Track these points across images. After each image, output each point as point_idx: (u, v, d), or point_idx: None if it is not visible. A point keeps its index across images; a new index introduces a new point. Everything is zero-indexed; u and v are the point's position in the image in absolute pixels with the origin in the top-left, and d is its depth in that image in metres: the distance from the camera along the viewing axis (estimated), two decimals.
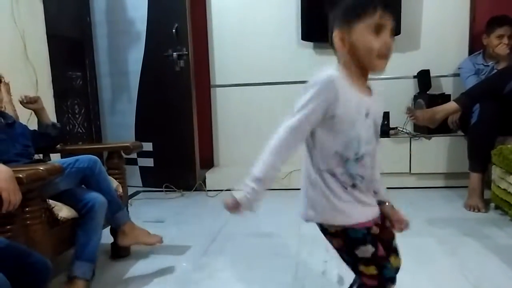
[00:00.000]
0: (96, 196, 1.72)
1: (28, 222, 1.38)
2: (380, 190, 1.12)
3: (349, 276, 1.73)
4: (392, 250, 1.14)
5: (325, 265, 1.85)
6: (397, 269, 1.15)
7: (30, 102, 1.96)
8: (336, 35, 0.99)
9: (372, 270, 1.04)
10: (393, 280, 1.08)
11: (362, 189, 1.03)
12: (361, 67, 0.99)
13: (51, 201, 1.60)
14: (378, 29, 0.94)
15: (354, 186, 1.01)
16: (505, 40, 2.79)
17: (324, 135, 0.99)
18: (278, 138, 0.97)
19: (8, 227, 1.30)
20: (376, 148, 1.06)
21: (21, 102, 1.96)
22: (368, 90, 1.04)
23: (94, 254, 1.67)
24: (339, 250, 1.08)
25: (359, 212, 1.02)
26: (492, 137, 2.51)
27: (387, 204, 1.13)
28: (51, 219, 1.57)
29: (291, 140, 0.97)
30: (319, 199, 1.02)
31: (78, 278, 1.60)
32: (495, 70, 2.81)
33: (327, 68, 0.99)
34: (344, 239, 1.04)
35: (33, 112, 2.05)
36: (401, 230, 1.15)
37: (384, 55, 0.95)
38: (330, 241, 1.08)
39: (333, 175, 1.00)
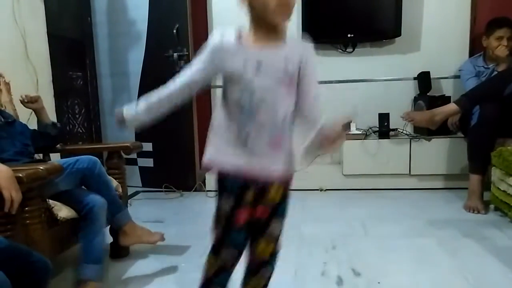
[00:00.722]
0: (95, 198, 1.71)
1: (28, 221, 1.38)
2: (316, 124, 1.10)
3: (349, 277, 1.74)
4: (265, 233, 1.14)
5: (325, 266, 1.85)
6: (262, 258, 1.16)
7: (30, 102, 1.97)
8: None
9: (219, 226, 1.14)
10: (237, 246, 1.13)
11: (257, 141, 1.05)
12: (262, 21, 1.04)
13: (50, 201, 1.60)
14: None
15: (246, 136, 1.05)
16: (504, 42, 2.80)
17: (228, 86, 1.08)
18: (170, 87, 1.15)
19: (8, 226, 1.31)
20: (283, 97, 1.05)
21: (22, 102, 1.96)
22: (277, 41, 1.06)
23: (100, 255, 1.67)
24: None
25: (232, 158, 1.07)
26: (492, 138, 2.51)
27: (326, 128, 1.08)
28: (51, 219, 1.57)
29: (180, 91, 1.15)
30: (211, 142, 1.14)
31: (88, 280, 1.60)
32: (495, 72, 2.81)
33: (223, 28, 1.08)
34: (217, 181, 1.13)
35: (33, 112, 2.05)
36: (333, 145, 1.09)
37: (280, 12, 1.00)
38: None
39: (231, 127, 1.07)
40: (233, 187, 1.09)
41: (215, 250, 1.18)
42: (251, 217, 1.11)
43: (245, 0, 1.04)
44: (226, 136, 1.08)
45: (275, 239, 1.16)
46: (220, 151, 1.09)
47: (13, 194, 1.25)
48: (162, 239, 1.95)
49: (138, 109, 1.19)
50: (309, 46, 1.09)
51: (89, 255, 1.63)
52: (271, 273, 1.20)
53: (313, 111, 1.10)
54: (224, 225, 1.13)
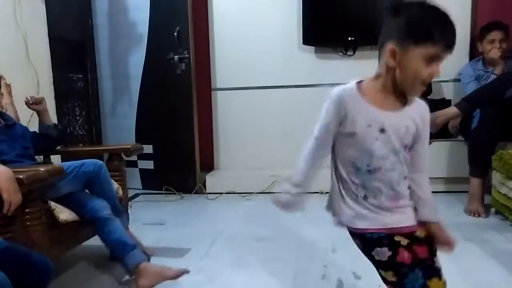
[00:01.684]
0: (97, 206, 1.73)
1: (28, 223, 1.38)
2: (420, 209, 1.08)
3: (349, 280, 1.73)
4: (433, 272, 1.08)
5: (325, 269, 1.85)
6: None
7: (35, 103, 1.98)
8: (389, 48, 0.97)
9: (390, 276, 1.05)
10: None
11: (375, 202, 1.03)
12: (397, 85, 0.99)
13: (52, 203, 1.60)
14: (432, 60, 0.95)
15: (365, 198, 1.03)
16: (497, 44, 2.82)
17: (340, 145, 1.05)
18: (305, 148, 1.07)
19: (8, 228, 1.31)
20: (405, 160, 1.03)
21: (27, 103, 1.98)
22: (400, 104, 1.02)
23: (129, 241, 1.70)
24: (361, 250, 1.11)
25: (369, 219, 1.04)
26: (493, 142, 2.51)
27: (432, 224, 1.10)
28: (52, 221, 1.57)
29: (315, 148, 1.06)
30: (335, 201, 1.09)
31: (139, 264, 1.63)
32: (493, 75, 2.82)
33: (349, 83, 1.03)
34: (361, 239, 1.08)
35: (33, 114, 2.05)
36: (446, 250, 1.12)
37: (426, 83, 0.97)
38: (354, 240, 1.12)
39: (347, 182, 1.05)
40: (382, 238, 1.04)
41: None
42: (414, 259, 1.05)
43: (397, 60, 0.96)
44: (350, 194, 1.06)
45: (441, 274, 1.11)
46: (347, 208, 1.06)
47: (12, 196, 1.24)
48: (186, 271, 1.70)
49: (291, 190, 1.08)
50: (426, 108, 1.07)
51: (123, 249, 1.67)
52: None
53: (421, 181, 1.08)
54: (395, 274, 1.04)
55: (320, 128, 1.05)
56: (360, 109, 0.99)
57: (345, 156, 1.04)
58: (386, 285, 1.08)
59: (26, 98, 1.98)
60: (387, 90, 1.01)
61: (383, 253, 1.03)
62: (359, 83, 1.03)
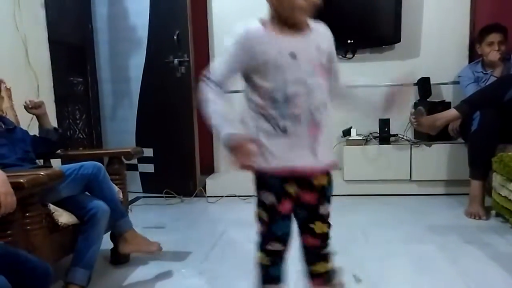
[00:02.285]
0: (99, 204, 1.73)
1: (28, 227, 1.38)
2: (370, 100, 1.20)
3: (350, 284, 1.73)
4: (318, 216, 1.16)
5: None
6: (322, 234, 1.18)
7: (34, 107, 1.98)
8: None
9: (264, 215, 1.14)
10: (279, 240, 1.16)
11: (296, 131, 1.04)
12: (282, 16, 1.04)
13: (51, 206, 1.60)
14: None
15: (285, 130, 1.04)
16: (495, 47, 2.84)
17: (257, 79, 1.05)
18: (206, 95, 1.07)
19: (8, 232, 1.30)
20: (320, 85, 1.06)
21: (26, 107, 1.97)
22: (301, 31, 1.06)
23: (92, 261, 1.67)
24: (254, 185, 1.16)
25: (278, 158, 1.05)
26: (493, 144, 2.51)
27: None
28: (51, 225, 1.57)
29: (214, 91, 1.07)
30: None
31: (74, 284, 1.60)
32: (492, 77, 2.82)
33: (249, 20, 1.07)
34: (258, 177, 1.13)
35: (33, 118, 2.05)
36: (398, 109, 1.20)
37: (307, 11, 1.02)
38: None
39: (266, 117, 1.05)
40: (274, 184, 1.09)
41: (263, 246, 1.19)
42: (299, 203, 1.13)
43: None
44: (262, 133, 1.06)
45: (327, 220, 1.18)
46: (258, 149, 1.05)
47: (7, 199, 1.22)
48: (159, 249, 1.93)
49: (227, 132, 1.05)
50: (326, 27, 1.13)
51: (81, 259, 1.64)
52: (330, 255, 1.23)
53: (344, 84, 1.17)
54: (268, 219, 1.14)
55: (223, 68, 1.06)
56: (268, 40, 1.03)
57: (260, 91, 1.05)
58: (258, 222, 1.17)
59: (25, 102, 1.98)
60: (281, 24, 1.05)
61: (267, 198, 1.11)
62: (260, 20, 1.07)
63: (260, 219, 1.16)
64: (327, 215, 1.18)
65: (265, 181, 1.11)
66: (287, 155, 1.05)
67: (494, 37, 2.85)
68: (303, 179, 1.10)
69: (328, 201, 1.17)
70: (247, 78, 1.07)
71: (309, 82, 1.03)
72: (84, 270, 1.63)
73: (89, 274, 1.65)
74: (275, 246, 1.17)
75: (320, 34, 1.09)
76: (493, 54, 2.83)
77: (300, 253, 1.25)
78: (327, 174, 1.14)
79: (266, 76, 1.03)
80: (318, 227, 1.16)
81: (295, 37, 1.04)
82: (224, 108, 1.06)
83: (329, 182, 1.15)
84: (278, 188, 1.10)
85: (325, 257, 1.22)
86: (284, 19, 1.03)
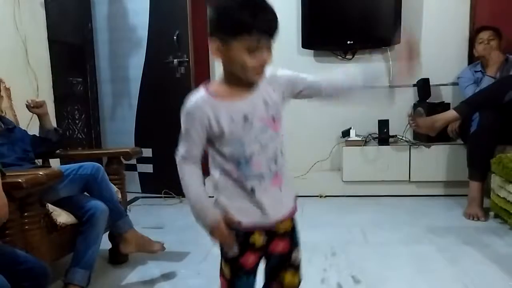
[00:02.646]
0: (97, 204, 1.73)
1: (26, 227, 1.38)
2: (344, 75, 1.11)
3: (349, 284, 1.73)
4: (289, 265, 1.12)
5: (324, 273, 1.85)
6: (291, 286, 1.13)
7: (36, 107, 1.98)
8: (212, 44, 0.98)
9: (227, 271, 1.09)
10: None
11: (264, 190, 1.02)
12: (237, 77, 0.99)
13: (50, 206, 1.60)
14: (253, 50, 0.94)
15: (252, 190, 1.02)
16: (485, 42, 2.91)
17: (217, 145, 1.03)
18: (183, 175, 1.07)
19: (6, 232, 1.30)
20: (272, 136, 1.02)
21: (28, 106, 1.98)
22: (250, 88, 1.02)
23: (92, 261, 1.67)
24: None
25: (245, 214, 1.03)
26: (492, 145, 2.51)
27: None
28: (50, 225, 1.57)
29: (190, 169, 1.07)
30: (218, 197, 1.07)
31: (73, 285, 1.60)
32: (485, 77, 2.83)
33: (195, 91, 1.02)
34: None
35: (33, 118, 2.05)
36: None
37: (258, 72, 0.97)
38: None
39: (233, 178, 1.03)
40: (238, 235, 1.05)
41: None
42: (269, 254, 1.09)
43: (222, 54, 0.97)
44: (234, 195, 1.04)
45: (298, 268, 1.14)
46: (232, 210, 1.04)
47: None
48: (163, 248, 1.94)
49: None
50: (271, 72, 1.05)
51: (81, 260, 1.64)
52: None
53: (324, 81, 1.09)
54: (231, 273, 1.09)
55: (189, 146, 1.04)
56: (218, 108, 0.99)
57: (224, 155, 1.03)
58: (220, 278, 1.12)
59: (27, 101, 1.98)
60: (230, 82, 1.00)
61: (233, 250, 1.06)
62: (206, 88, 1.02)
63: (223, 273, 1.11)
64: (299, 264, 1.14)
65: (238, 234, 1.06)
66: (256, 211, 1.03)
67: (483, 34, 2.92)
68: (269, 228, 1.06)
69: (297, 246, 1.13)
70: (209, 143, 1.05)
71: (262, 139, 1.01)
72: (83, 270, 1.63)
73: (89, 275, 1.65)
74: None
75: (265, 86, 1.03)
76: (480, 47, 2.91)
77: None
78: (291, 219, 1.11)
79: (225, 142, 1.01)
80: (288, 278, 1.11)
81: (244, 97, 1.00)
82: (201, 190, 1.07)
83: (293, 226, 1.13)
84: (242, 239, 1.05)
85: None
86: (236, 78, 0.99)
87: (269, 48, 0.97)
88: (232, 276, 1.08)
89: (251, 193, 1.02)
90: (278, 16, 1.00)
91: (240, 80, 0.99)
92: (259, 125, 1.01)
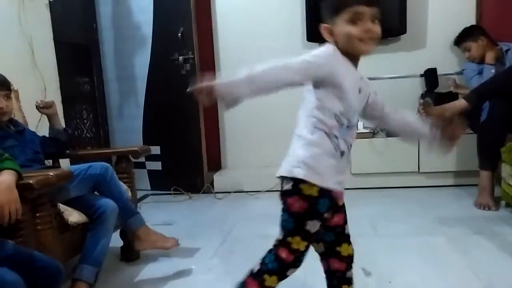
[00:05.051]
0: (107, 202, 1.74)
1: (39, 227, 1.39)
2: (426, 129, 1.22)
3: (360, 277, 1.73)
4: (345, 237, 1.20)
5: None
6: (348, 257, 1.21)
7: (45, 107, 2.00)
8: (323, 29, 1.10)
9: (301, 246, 1.09)
10: (300, 266, 1.14)
11: (344, 162, 1.11)
12: (349, 53, 1.08)
13: (61, 206, 1.62)
14: (354, 20, 1.05)
15: (342, 154, 1.09)
16: (466, 54, 2.98)
17: (326, 98, 1.07)
18: (275, 65, 1.05)
19: (19, 232, 1.32)
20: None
21: (37, 107, 2.00)
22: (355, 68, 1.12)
23: (100, 259, 1.68)
24: (293, 213, 1.09)
25: (333, 179, 1.09)
26: (502, 134, 2.49)
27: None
28: (61, 224, 1.59)
29: (285, 73, 1.04)
30: (309, 157, 1.07)
31: (81, 281, 1.61)
32: (486, 66, 2.84)
33: (328, 44, 1.10)
34: (309, 204, 1.07)
35: (42, 118, 2.07)
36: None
37: (364, 39, 1.05)
38: (291, 203, 1.09)
39: (329, 136, 1.07)
40: (323, 211, 1.08)
41: (281, 273, 1.13)
42: (327, 227, 1.16)
43: (333, 35, 1.08)
44: (326, 151, 1.08)
45: (350, 241, 1.22)
46: (319, 165, 1.07)
47: (10, 209, 1.20)
48: (177, 244, 1.94)
49: (237, 78, 1.04)
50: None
51: (89, 256, 1.65)
52: (353, 279, 1.25)
53: (395, 113, 1.22)
54: (305, 248, 1.11)
55: (304, 64, 1.04)
56: (346, 66, 1.08)
57: (330, 109, 1.07)
58: (277, 245, 1.12)
59: (37, 102, 2.00)
60: (350, 59, 1.10)
61: (315, 225, 1.08)
62: (334, 47, 1.09)
63: (292, 248, 1.09)
64: (349, 236, 1.22)
65: (316, 210, 1.08)
66: (336, 177, 1.09)
67: (461, 47, 3.02)
68: (335, 202, 1.14)
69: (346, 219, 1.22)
70: (318, 94, 1.07)
71: (356, 118, 1.12)
72: (91, 267, 1.64)
73: (97, 272, 1.66)
74: (293, 272, 1.14)
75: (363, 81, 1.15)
76: (466, 55, 2.98)
77: (326, 278, 1.26)
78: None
79: (339, 98, 1.06)
80: (344, 249, 1.19)
81: (356, 73, 1.11)
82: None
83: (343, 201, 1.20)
84: (323, 215, 1.10)
85: (349, 281, 1.23)
86: (350, 55, 1.09)
87: (373, 19, 1.07)
88: (306, 249, 1.11)
89: (340, 156, 1.09)
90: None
91: (353, 57, 1.08)
92: (361, 104, 1.14)
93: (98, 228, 1.69)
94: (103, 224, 1.70)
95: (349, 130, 1.10)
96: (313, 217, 1.08)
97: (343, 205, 1.19)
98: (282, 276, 1.12)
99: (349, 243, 1.20)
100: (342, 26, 1.05)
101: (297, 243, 1.08)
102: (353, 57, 1.09)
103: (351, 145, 1.13)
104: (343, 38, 1.06)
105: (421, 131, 1.21)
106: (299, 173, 1.05)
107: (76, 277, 1.61)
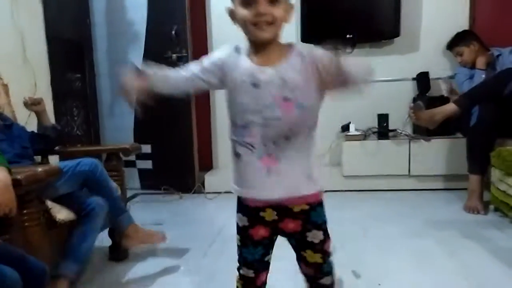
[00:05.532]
0: (96, 200, 1.72)
1: (26, 224, 1.37)
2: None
3: (350, 279, 1.73)
4: (307, 245, 1.09)
5: None
6: (316, 264, 1.11)
7: (33, 104, 1.97)
8: (229, 12, 1.04)
9: (237, 237, 1.14)
10: (250, 266, 1.13)
11: (249, 161, 1.02)
12: (249, 39, 1.03)
13: (49, 203, 1.59)
14: (247, 1, 0.97)
15: (238, 155, 1.04)
16: (458, 59, 3.02)
17: (227, 100, 1.05)
18: (179, 73, 1.12)
19: (6, 229, 1.30)
20: (279, 118, 0.99)
21: (25, 104, 1.97)
22: (276, 59, 1.01)
23: (85, 256, 1.66)
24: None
25: (242, 184, 1.06)
26: (491, 139, 2.51)
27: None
28: (49, 221, 1.57)
29: (183, 78, 1.10)
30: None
31: (63, 277, 1.57)
32: (477, 71, 2.86)
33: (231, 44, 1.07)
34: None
35: (31, 114, 2.04)
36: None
37: (258, 23, 0.97)
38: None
39: (231, 141, 1.05)
40: (248, 208, 1.08)
41: (238, 269, 1.17)
42: (281, 232, 1.10)
43: (234, 18, 1.02)
44: (232, 154, 1.07)
45: (321, 250, 1.10)
46: (233, 169, 1.09)
47: (5, 208, 1.20)
48: (164, 239, 1.95)
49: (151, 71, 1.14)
50: (305, 48, 1.05)
51: (73, 253, 1.63)
52: (331, 283, 1.15)
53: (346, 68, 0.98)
54: (240, 242, 1.13)
55: (199, 65, 1.07)
56: (239, 64, 1.02)
57: (229, 113, 1.05)
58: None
59: (25, 98, 1.97)
60: (251, 47, 1.03)
61: (241, 219, 1.11)
62: (237, 47, 1.07)
63: (237, 241, 1.15)
64: (320, 244, 1.09)
65: (241, 204, 1.11)
66: (245, 182, 1.05)
67: (453, 52, 3.05)
68: (280, 206, 1.05)
69: (319, 228, 1.09)
70: (226, 95, 1.07)
71: (266, 114, 0.99)
72: (75, 264, 1.61)
73: (80, 269, 1.63)
74: (246, 272, 1.14)
75: (293, 65, 1.00)
76: (458, 60, 3.02)
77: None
78: (308, 203, 1.07)
79: (231, 99, 1.03)
80: (309, 255, 1.09)
81: (264, 67, 1.00)
82: (163, 72, 1.15)
83: (312, 209, 1.08)
84: (252, 212, 1.08)
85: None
86: (252, 43, 1.03)
87: (271, 0, 0.97)
88: (241, 244, 1.13)
89: (237, 159, 1.04)
90: None
91: (255, 44, 1.02)
92: (268, 99, 0.99)
93: (85, 225, 1.67)
94: (90, 222, 1.68)
95: (245, 130, 1.00)
96: (240, 212, 1.12)
97: (303, 212, 1.06)
98: (239, 274, 1.17)
99: (315, 251, 1.09)
100: (237, 9, 0.99)
101: (237, 234, 1.14)
102: (255, 44, 1.02)
103: (260, 142, 1.00)
104: (240, 22, 1.00)
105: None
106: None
107: (58, 273, 1.58)
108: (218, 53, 1.07)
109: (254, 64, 1.01)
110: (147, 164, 3.50)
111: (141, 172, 3.55)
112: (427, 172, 3.09)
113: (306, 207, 1.07)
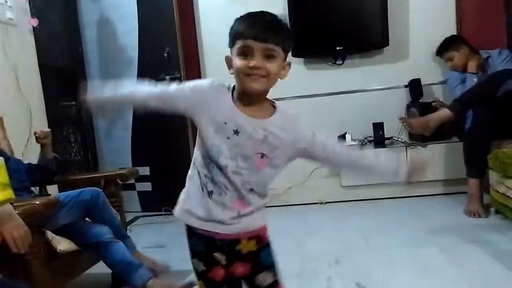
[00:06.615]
0: (101, 232, 1.74)
1: (26, 257, 1.37)
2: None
3: None
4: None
5: (329, 281, 1.84)
6: None
7: (44, 137, 2.00)
8: (226, 59, 1.06)
9: (201, 285, 1.10)
10: None
11: (219, 199, 1.02)
12: (240, 89, 1.02)
13: (49, 234, 1.59)
14: (244, 53, 0.98)
15: (210, 193, 1.02)
16: (448, 64, 3.04)
17: (202, 131, 1.03)
18: (148, 88, 1.11)
19: (7, 264, 1.29)
20: (253, 171, 1.02)
21: (37, 138, 2.00)
22: (263, 114, 1.03)
23: (134, 261, 1.74)
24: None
25: (203, 218, 1.05)
26: (487, 141, 2.52)
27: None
28: (50, 253, 1.56)
29: (153, 97, 1.10)
30: (184, 191, 1.11)
31: (146, 282, 1.69)
32: (469, 75, 2.89)
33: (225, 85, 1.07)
34: (188, 240, 1.12)
35: (28, 145, 2.05)
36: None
37: (250, 74, 0.98)
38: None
39: (199, 173, 1.05)
40: (201, 251, 1.08)
41: None
42: (232, 277, 1.08)
43: (231, 66, 1.03)
44: (195, 186, 1.06)
45: None
46: (189, 200, 1.08)
47: (14, 233, 1.23)
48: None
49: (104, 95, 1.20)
50: (294, 115, 1.08)
51: (128, 269, 1.68)
52: None
53: (344, 153, 1.12)
54: (205, 285, 1.10)
55: (176, 89, 1.06)
56: (225, 105, 1.01)
57: (202, 145, 1.03)
58: None
59: (36, 132, 2.01)
60: (241, 97, 1.03)
61: (199, 265, 1.09)
62: (232, 89, 1.05)
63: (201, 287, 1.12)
64: (271, 286, 1.09)
65: (190, 248, 1.11)
66: (208, 217, 1.04)
67: (443, 57, 3.08)
68: (229, 249, 1.06)
69: (268, 269, 1.09)
70: (198, 126, 1.04)
71: (239, 163, 1.00)
72: (139, 271, 1.72)
73: (144, 267, 1.76)
74: None
75: (278, 126, 1.03)
76: (448, 65, 3.05)
77: None
78: (256, 239, 1.07)
79: (207, 135, 1.01)
80: None
81: (250, 117, 1.01)
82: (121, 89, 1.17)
83: (261, 248, 1.08)
84: (205, 255, 1.08)
85: None
86: (242, 93, 1.02)
87: (268, 55, 0.99)
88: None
89: (207, 196, 1.03)
90: (283, 28, 1.08)
91: (243, 93, 1.01)
92: (245, 150, 1.00)
93: (106, 251, 1.72)
94: (108, 248, 1.72)
95: (220, 171, 1.00)
96: (193, 256, 1.10)
97: (254, 253, 1.07)
98: None
99: None
100: (234, 59, 1.00)
101: (198, 280, 1.11)
102: (244, 94, 1.01)
103: (233, 186, 1.01)
104: (235, 71, 1.00)
105: (378, 170, 1.19)
106: (176, 209, 1.11)
107: (138, 285, 1.69)
108: (207, 82, 1.06)
109: (241, 111, 1.01)
110: (147, 186, 3.50)
111: (141, 194, 3.54)
112: (426, 177, 3.08)
113: (255, 248, 1.07)
